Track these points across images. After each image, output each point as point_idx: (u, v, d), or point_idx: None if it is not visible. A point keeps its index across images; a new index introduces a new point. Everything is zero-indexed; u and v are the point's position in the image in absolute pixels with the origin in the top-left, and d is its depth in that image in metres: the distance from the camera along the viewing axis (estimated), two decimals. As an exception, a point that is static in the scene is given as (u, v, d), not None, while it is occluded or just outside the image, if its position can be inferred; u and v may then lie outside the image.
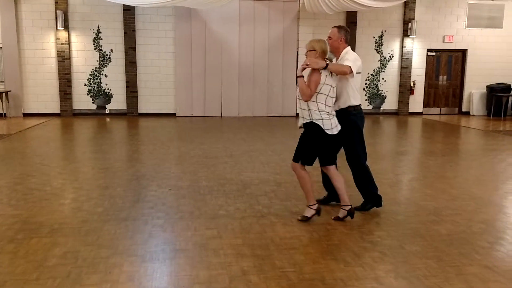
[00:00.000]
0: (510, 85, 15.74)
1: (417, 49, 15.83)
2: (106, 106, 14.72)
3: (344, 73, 4.76)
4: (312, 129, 4.70)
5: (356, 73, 4.90)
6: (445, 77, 16.43)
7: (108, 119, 13.97)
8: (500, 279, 3.59)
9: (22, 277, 3.53)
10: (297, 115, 15.22)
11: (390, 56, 15.77)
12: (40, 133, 11.11)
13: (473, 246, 4.23)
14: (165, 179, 6.62)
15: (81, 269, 3.68)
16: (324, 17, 14.92)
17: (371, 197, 5.25)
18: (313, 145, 4.75)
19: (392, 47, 15.74)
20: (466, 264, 3.84)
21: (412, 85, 15.96)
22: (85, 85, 14.51)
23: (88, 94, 14.58)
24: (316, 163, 4.90)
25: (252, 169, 7.30)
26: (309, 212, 4.88)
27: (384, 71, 15.83)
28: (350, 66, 4.73)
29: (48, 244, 4.17)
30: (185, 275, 3.62)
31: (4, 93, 13.72)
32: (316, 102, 4.65)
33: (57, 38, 14.08)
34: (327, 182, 5.32)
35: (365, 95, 15.89)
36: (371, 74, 15.78)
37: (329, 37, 5.12)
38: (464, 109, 16.51)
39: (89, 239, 4.31)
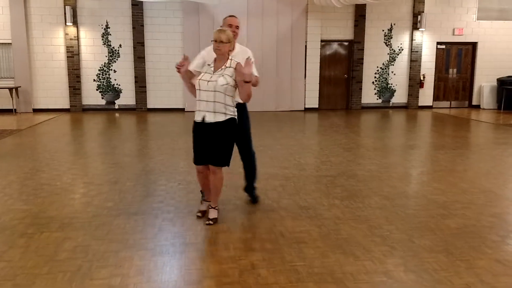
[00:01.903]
0: (521, 78, 15.61)
1: (426, 42, 15.71)
2: (115, 101, 14.77)
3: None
4: (233, 126, 4.56)
5: None
6: (455, 70, 16.31)
7: (117, 115, 14.02)
8: (511, 273, 3.57)
9: (33, 271, 3.57)
10: (306, 109, 15.20)
11: (399, 49, 15.66)
12: (50, 129, 11.18)
13: (483, 240, 4.21)
14: (174, 174, 6.64)
15: (92, 263, 3.70)
16: (333, 10, 14.85)
17: None
18: (233, 142, 4.70)
19: (402, 40, 15.63)
20: (476, 258, 3.82)
21: (421, 78, 15.85)
22: (94, 80, 14.57)
23: (97, 90, 14.64)
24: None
25: (260, 164, 7.23)
26: (216, 213, 4.73)
27: (393, 65, 15.74)
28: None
29: (59, 239, 4.21)
30: (195, 268, 3.63)
31: (14, 89, 13.81)
32: (233, 98, 4.56)
33: (66, 34, 14.13)
34: None
35: (374, 89, 15.81)
36: (380, 68, 15.69)
37: (237, 26, 4.97)
38: (474, 103, 16.38)
39: (99, 234, 4.34)
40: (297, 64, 15.06)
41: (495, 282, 3.42)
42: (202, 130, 4.51)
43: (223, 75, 4.42)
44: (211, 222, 4.61)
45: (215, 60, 4.53)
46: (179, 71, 4.52)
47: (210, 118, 4.44)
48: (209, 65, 4.53)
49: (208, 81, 4.41)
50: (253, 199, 5.38)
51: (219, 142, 4.50)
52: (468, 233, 4.39)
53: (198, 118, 4.50)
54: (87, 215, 4.88)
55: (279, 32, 14.83)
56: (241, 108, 4.86)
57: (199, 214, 4.83)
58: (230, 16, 5.09)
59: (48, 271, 3.57)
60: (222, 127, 4.48)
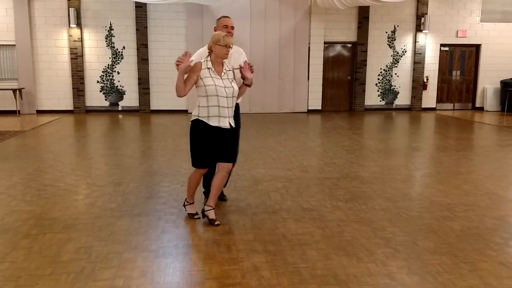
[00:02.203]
0: (524, 80, 15.58)
1: (430, 44, 15.70)
2: (119, 103, 14.81)
3: None
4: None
5: None
6: (458, 72, 16.29)
7: (120, 116, 14.05)
8: (515, 275, 3.56)
9: (36, 272, 3.57)
10: (309, 111, 15.22)
11: (403, 51, 15.66)
12: (54, 130, 11.20)
13: (487, 242, 4.20)
14: (177, 175, 6.64)
15: (95, 264, 3.71)
16: (336, 12, 14.86)
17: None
18: None
19: (405, 42, 15.62)
20: (480, 260, 3.81)
21: (425, 80, 15.84)
22: (97, 82, 14.62)
23: (100, 91, 14.69)
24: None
25: (263, 165, 7.30)
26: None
27: (397, 67, 15.73)
28: None
29: (62, 240, 4.21)
30: (197, 270, 3.63)
31: (17, 90, 13.86)
32: None
33: (69, 36, 14.18)
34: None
35: (378, 91, 15.81)
36: (384, 70, 15.69)
37: (232, 27, 5.02)
38: (477, 105, 16.36)
39: (102, 235, 4.34)
40: (300, 65, 15.07)
41: (498, 284, 3.41)
42: (223, 135, 4.48)
43: (233, 80, 4.52)
44: (218, 222, 4.63)
45: (212, 62, 4.45)
46: (178, 66, 4.38)
47: (233, 123, 4.55)
48: (209, 68, 4.43)
49: (225, 87, 4.40)
50: (223, 197, 5.46)
51: (235, 142, 4.83)
52: (471, 235, 4.38)
53: (225, 124, 4.44)
54: (90, 216, 4.89)
55: (282, 34, 14.84)
56: (236, 108, 4.91)
57: (200, 216, 4.82)
58: (224, 17, 5.11)
59: (51, 272, 3.57)
60: (236, 128, 4.73)
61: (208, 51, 4.52)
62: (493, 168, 7.29)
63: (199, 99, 4.45)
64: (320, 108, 15.44)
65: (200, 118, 4.44)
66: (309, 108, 15.32)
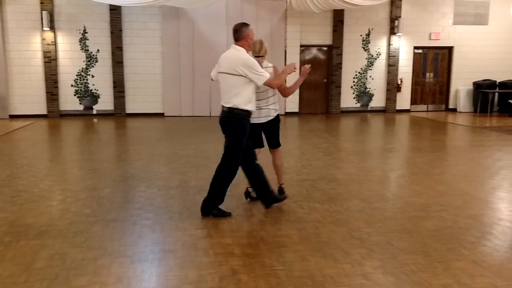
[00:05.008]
0: (496, 81, 15.89)
1: (404, 47, 15.92)
2: (93, 106, 14.63)
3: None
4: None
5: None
6: (431, 74, 16.56)
7: (95, 120, 13.88)
8: (487, 273, 3.63)
9: (10, 280, 3.51)
10: (286, 113, 15.27)
11: (377, 54, 15.84)
12: (27, 135, 11.01)
13: (460, 241, 4.27)
14: (154, 180, 6.59)
15: (69, 271, 3.66)
16: (311, 16, 14.95)
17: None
18: None
19: (379, 45, 15.81)
20: (454, 259, 3.87)
21: (399, 82, 16.05)
22: (72, 86, 14.41)
23: (75, 95, 14.48)
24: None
25: (240, 168, 7.27)
26: None
27: (371, 69, 15.90)
28: None
29: (36, 246, 4.14)
30: (174, 275, 3.61)
31: (-11, 95, 13.60)
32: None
33: (43, 39, 13.96)
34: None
35: (353, 93, 15.96)
36: (359, 72, 15.85)
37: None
38: (451, 106, 16.65)
39: (77, 241, 4.29)
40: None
41: (472, 283, 3.47)
42: None
43: None
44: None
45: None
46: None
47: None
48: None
49: None
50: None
51: (277, 130, 5.87)
52: (445, 234, 4.46)
53: None
54: (65, 222, 4.82)
55: (259, 37, 14.80)
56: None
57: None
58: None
59: (25, 279, 3.51)
60: (276, 119, 5.76)
61: (258, 56, 5.65)
62: (466, 169, 7.43)
63: (276, 97, 5.75)
64: (297, 110, 15.51)
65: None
66: (287, 111, 15.37)
